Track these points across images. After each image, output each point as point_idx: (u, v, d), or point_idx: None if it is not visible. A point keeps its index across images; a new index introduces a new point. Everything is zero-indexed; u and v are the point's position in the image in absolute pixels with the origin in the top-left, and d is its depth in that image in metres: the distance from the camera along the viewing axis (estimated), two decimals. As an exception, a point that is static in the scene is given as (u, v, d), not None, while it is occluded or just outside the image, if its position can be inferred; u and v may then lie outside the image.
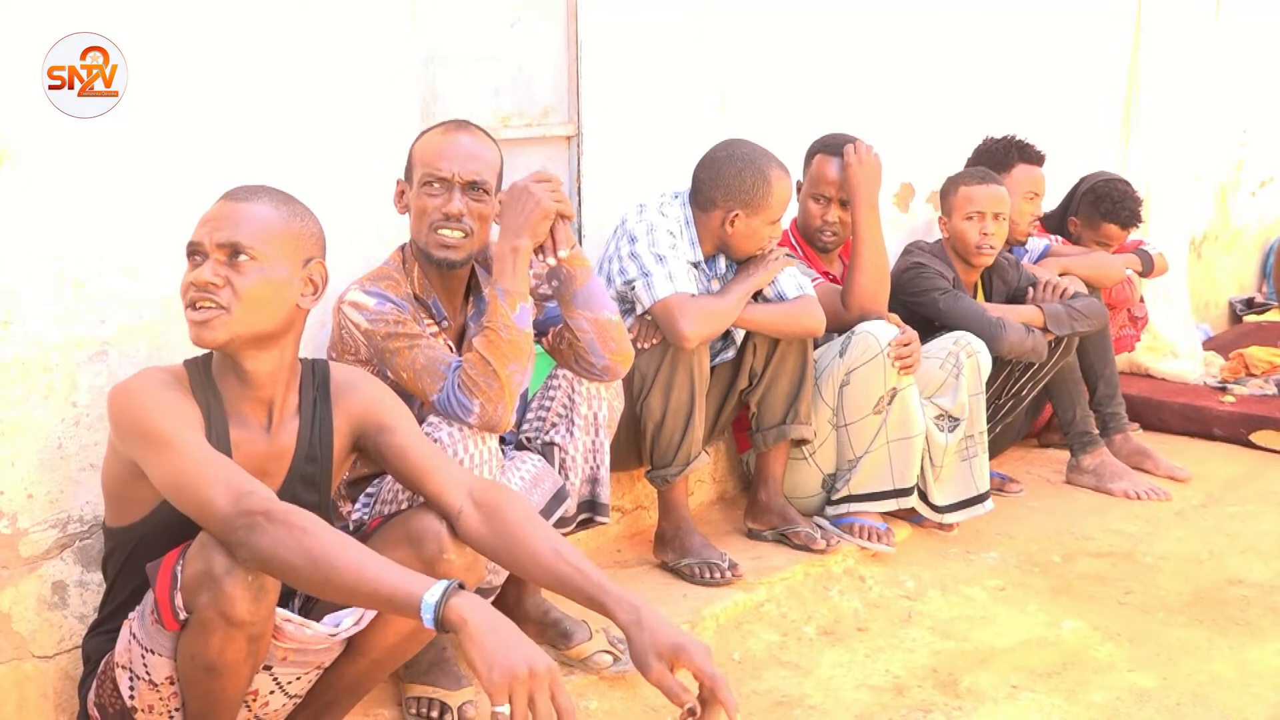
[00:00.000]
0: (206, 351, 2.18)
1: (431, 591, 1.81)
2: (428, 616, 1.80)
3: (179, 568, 1.98)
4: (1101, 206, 4.75)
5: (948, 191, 4.12)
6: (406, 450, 2.23)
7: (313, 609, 2.23)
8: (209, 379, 2.16)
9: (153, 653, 2.05)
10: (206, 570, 1.93)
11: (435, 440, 2.47)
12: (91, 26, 2.37)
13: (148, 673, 2.06)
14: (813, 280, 3.65)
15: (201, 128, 2.59)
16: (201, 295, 2.06)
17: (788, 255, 3.49)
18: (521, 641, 1.80)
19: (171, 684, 2.07)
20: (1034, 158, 4.51)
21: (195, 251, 2.10)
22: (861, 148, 3.73)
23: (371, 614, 2.14)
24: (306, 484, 2.24)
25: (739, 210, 3.34)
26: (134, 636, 2.08)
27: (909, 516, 3.79)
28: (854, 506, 3.65)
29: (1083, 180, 4.90)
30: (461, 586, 1.84)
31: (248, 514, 1.90)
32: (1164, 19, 5.67)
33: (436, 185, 2.65)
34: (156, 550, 2.06)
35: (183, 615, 1.98)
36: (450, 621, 1.79)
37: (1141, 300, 4.99)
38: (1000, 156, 4.51)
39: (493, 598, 2.64)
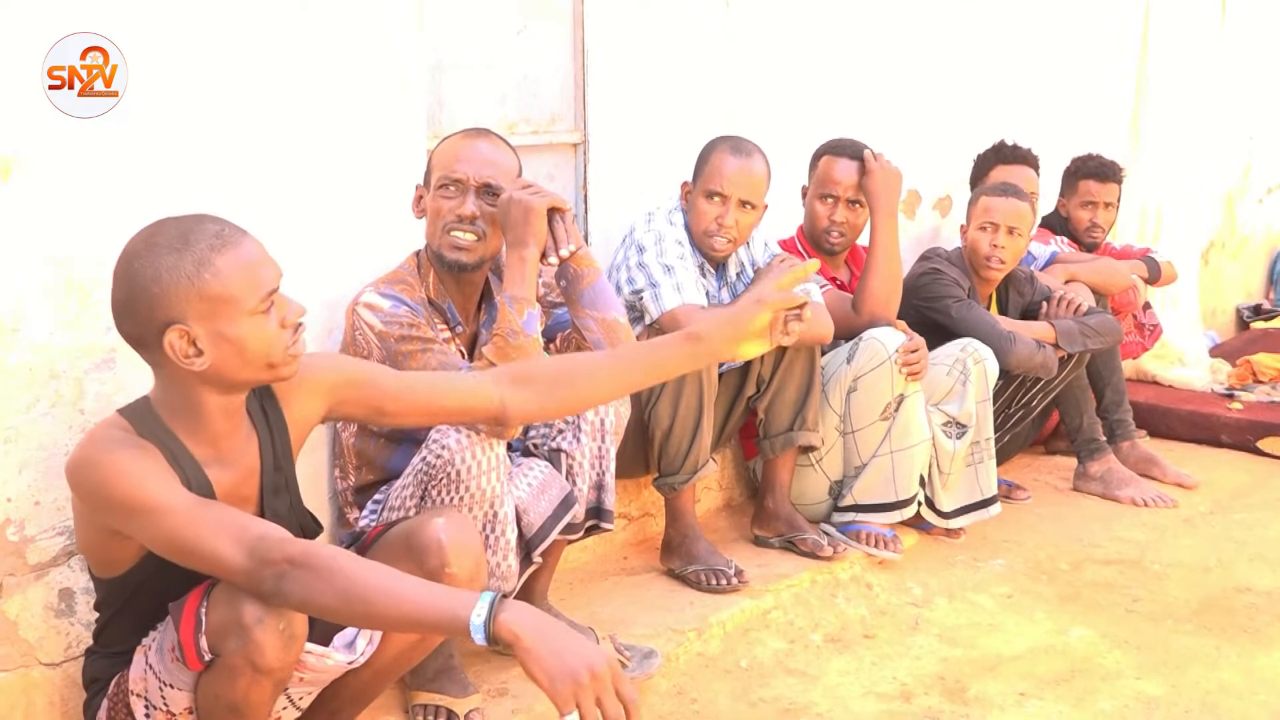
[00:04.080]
0: (141, 397, 2.07)
1: (477, 611, 1.78)
2: (478, 637, 1.77)
3: (203, 610, 1.95)
4: (1071, 169, 4.83)
5: (972, 200, 4.15)
6: (401, 390, 2.18)
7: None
8: (159, 423, 2.01)
9: (172, 687, 2.03)
10: (236, 619, 1.91)
11: (443, 447, 2.47)
12: (91, 26, 2.36)
13: (165, 704, 2.04)
14: (820, 287, 3.65)
15: (208, 131, 2.58)
16: None
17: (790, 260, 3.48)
18: (576, 644, 1.77)
19: (190, 714, 2.05)
20: (1024, 158, 4.53)
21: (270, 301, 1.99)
22: (882, 157, 3.73)
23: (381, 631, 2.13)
24: (278, 493, 2.18)
25: (690, 183, 3.41)
26: (150, 667, 2.05)
27: (916, 523, 3.78)
28: (858, 516, 3.65)
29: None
30: (505, 597, 1.81)
31: (271, 564, 1.85)
32: (1171, 27, 5.67)
33: (452, 188, 2.68)
34: (157, 593, 2.03)
35: (208, 657, 1.96)
36: (501, 637, 1.77)
37: (1149, 308, 4.97)
38: (990, 158, 4.56)
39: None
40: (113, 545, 2.02)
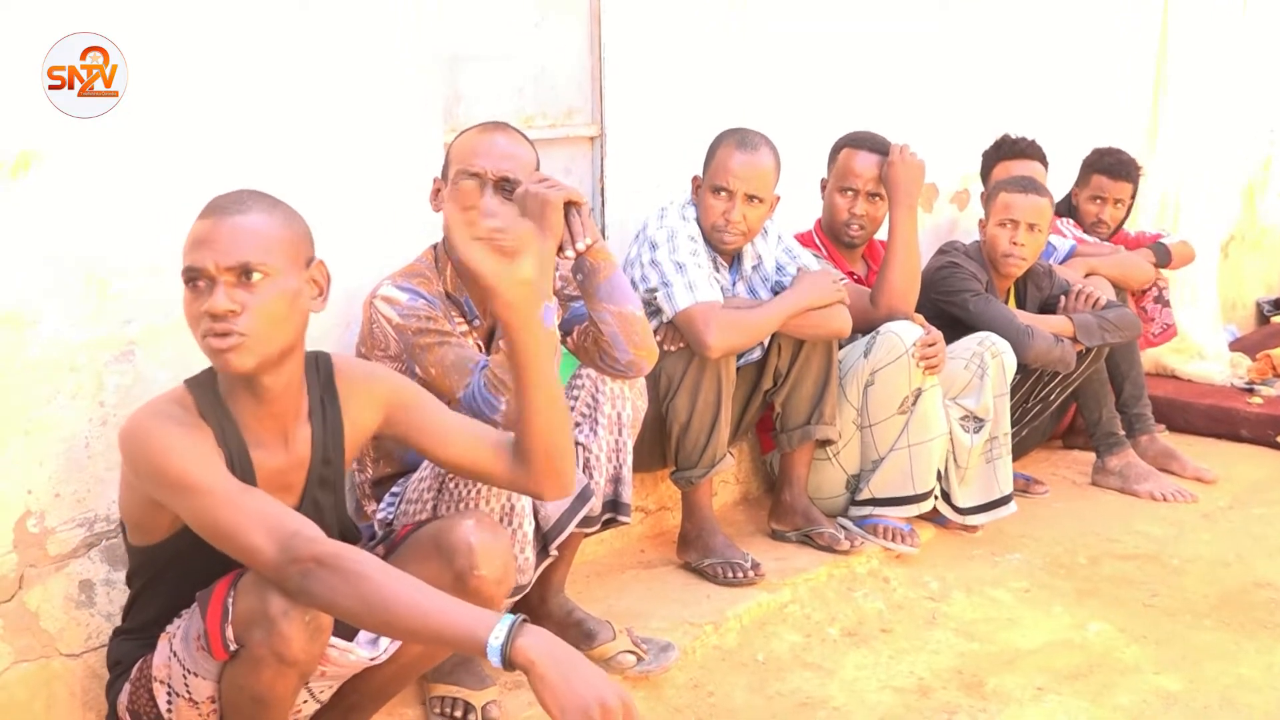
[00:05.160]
0: (208, 368, 2.09)
1: (495, 633, 1.77)
2: (494, 659, 1.77)
3: (230, 600, 1.97)
4: (1088, 160, 4.83)
5: (990, 195, 4.12)
6: (438, 430, 2.19)
7: None
8: (218, 400, 2.06)
9: (196, 675, 2.04)
10: (262, 610, 1.92)
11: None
12: (91, 26, 2.36)
13: (188, 691, 2.05)
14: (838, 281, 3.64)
15: (229, 125, 2.59)
16: (220, 325, 1.94)
17: (833, 268, 3.48)
18: (590, 676, 1.77)
19: (213, 703, 2.06)
20: (1024, 151, 4.51)
21: (197, 277, 1.96)
22: (906, 150, 3.72)
23: None
24: (324, 486, 2.20)
25: (700, 178, 3.41)
26: (175, 654, 2.06)
27: (933, 518, 3.77)
28: (875, 510, 3.64)
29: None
30: (525, 621, 1.80)
31: (298, 561, 1.86)
32: (1191, 17, 5.64)
33: (470, 181, 2.67)
34: (188, 569, 2.05)
35: (233, 647, 1.97)
36: (517, 662, 1.77)
37: (1168, 306, 4.93)
38: (993, 154, 4.57)
39: (520, 597, 2.64)
40: (152, 512, 2.05)
